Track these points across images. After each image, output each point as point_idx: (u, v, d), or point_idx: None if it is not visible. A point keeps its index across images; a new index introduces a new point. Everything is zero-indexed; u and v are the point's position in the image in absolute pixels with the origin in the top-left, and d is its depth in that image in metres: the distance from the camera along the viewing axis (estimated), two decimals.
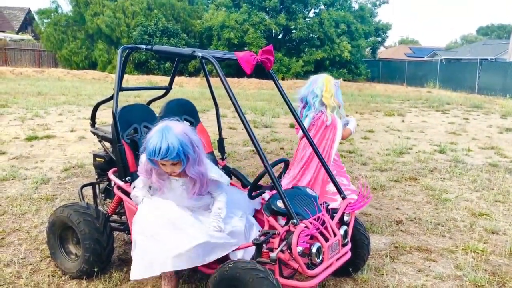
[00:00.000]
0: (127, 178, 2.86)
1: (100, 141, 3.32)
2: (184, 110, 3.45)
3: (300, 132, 3.83)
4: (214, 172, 2.77)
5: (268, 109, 12.73)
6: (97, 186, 3.47)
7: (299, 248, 2.37)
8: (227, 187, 2.91)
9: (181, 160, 2.54)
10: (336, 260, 2.66)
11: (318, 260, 2.48)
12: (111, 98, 3.17)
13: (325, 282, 3.04)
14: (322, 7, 33.21)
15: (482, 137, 9.75)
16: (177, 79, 25.72)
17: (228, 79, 21.87)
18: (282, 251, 2.42)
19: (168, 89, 3.62)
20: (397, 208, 4.77)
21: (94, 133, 3.36)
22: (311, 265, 2.48)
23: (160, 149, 2.46)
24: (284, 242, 2.42)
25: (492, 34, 66.35)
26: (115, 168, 2.99)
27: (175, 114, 3.37)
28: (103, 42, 33.87)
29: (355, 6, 34.80)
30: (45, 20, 36.62)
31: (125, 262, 3.26)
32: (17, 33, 48.28)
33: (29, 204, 4.44)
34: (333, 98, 3.88)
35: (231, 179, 3.57)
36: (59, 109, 11.81)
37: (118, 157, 2.85)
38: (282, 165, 3.08)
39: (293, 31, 32.20)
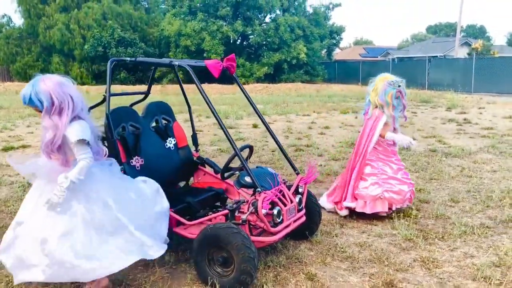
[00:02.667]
0: (120, 167, 3.46)
1: None
2: (162, 111, 4.08)
3: None
4: (81, 135, 2.68)
5: (231, 112, 13.42)
6: None
7: (264, 211, 3.05)
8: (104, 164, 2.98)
9: (38, 106, 2.63)
10: (294, 221, 3.36)
11: (279, 220, 3.18)
12: (100, 103, 3.76)
13: (286, 243, 3.74)
14: (278, 12, 34.29)
15: (426, 128, 10.78)
16: (141, 87, 26.08)
17: (191, 85, 22.48)
18: (250, 214, 3.09)
19: (147, 94, 4.24)
20: None
21: None
22: (274, 225, 3.17)
23: (22, 95, 2.67)
24: (252, 207, 3.10)
25: (441, 32, 69.56)
26: None
27: (155, 114, 4.02)
28: (58, 55, 33.65)
29: (310, 10, 36.10)
30: None
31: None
32: None
33: (20, 204, 4.91)
34: (377, 97, 4.38)
35: (205, 167, 4.24)
36: (25, 121, 12.08)
37: (113, 150, 3.45)
38: (247, 150, 3.77)
39: (251, 37, 33.14)
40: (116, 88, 25.54)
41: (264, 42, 32.89)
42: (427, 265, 3.38)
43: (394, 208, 4.43)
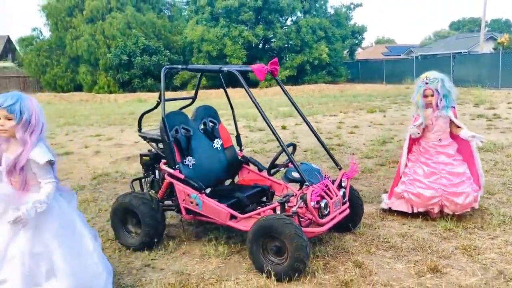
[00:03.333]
0: (176, 166, 3.74)
1: (148, 142, 4.17)
2: (209, 114, 4.36)
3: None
4: (49, 156, 2.68)
5: (259, 115, 13.63)
6: (144, 180, 4.33)
7: (312, 203, 3.27)
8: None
9: (16, 115, 2.60)
10: (339, 213, 3.57)
11: (326, 212, 3.39)
12: (153, 109, 4.07)
13: (331, 235, 3.94)
14: (299, 14, 34.46)
15: None
16: (167, 94, 26.58)
17: (217, 90, 22.92)
18: (299, 207, 3.32)
19: (194, 98, 4.52)
20: (383, 185, 5.69)
21: (142, 137, 4.22)
22: (321, 217, 3.38)
23: (0, 96, 2.63)
24: (301, 200, 3.32)
25: (464, 28, 68.39)
26: (165, 161, 3.87)
27: (203, 117, 4.30)
28: (85, 64, 34.54)
29: (331, 11, 36.13)
30: (28, 47, 36.98)
31: (174, 237, 4.12)
32: None
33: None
34: (412, 97, 4.37)
35: (249, 165, 4.48)
36: (63, 130, 12.57)
37: (168, 151, 3.73)
38: (290, 148, 3.99)
39: (272, 40, 33.40)
40: (143, 97, 26.26)
41: (286, 45, 33.11)
42: (469, 252, 3.54)
43: (415, 210, 4.36)
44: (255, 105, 3.47)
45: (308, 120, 4.04)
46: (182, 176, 3.71)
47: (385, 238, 3.87)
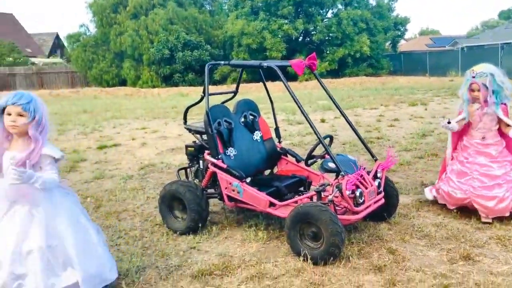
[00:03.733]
0: (219, 156, 4.00)
1: (192, 134, 4.45)
2: (249, 107, 4.59)
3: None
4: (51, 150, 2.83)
5: (297, 109, 13.77)
6: (189, 169, 4.62)
7: (347, 192, 3.44)
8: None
9: (30, 113, 2.73)
10: (374, 203, 3.71)
11: (361, 201, 3.55)
12: (197, 103, 4.35)
13: (367, 224, 4.09)
14: (340, 6, 34.11)
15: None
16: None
17: (257, 84, 23.17)
18: (335, 195, 3.49)
19: (235, 93, 4.76)
20: (420, 177, 5.75)
21: (187, 129, 4.50)
22: (356, 205, 3.55)
23: (15, 94, 2.77)
24: (337, 189, 3.49)
25: None
26: (208, 151, 4.13)
27: (243, 110, 4.53)
28: (129, 59, 35.58)
29: (373, 2, 35.53)
30: (75, 44, 38.39)
31: (217, 223, 4.39)
32: (47, 57, 50.82)
33: (126, 193, 5.63)
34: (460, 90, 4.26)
35: (287, 157, 4.68)
36: (110, 123, 13.16)
37: (211, 142, 3.99)
38: (327, 140, 4.17)
39: (313, 33, 33.26)
40: (184, 91, 26.88)
41: (326, 38, 32.88)
42: (503, 242, 3.61)
43: (450, 208, 4.32)
44: (293, 98, 3.66)
45: (348, 113, 4.20)
46: (224, 166, 3.96)
47: (420, 228, 3.99)
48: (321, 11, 33.88)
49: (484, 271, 3.18)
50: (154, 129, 11.19)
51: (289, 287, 3.09)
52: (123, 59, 35.98)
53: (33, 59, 44.15)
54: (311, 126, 3.69)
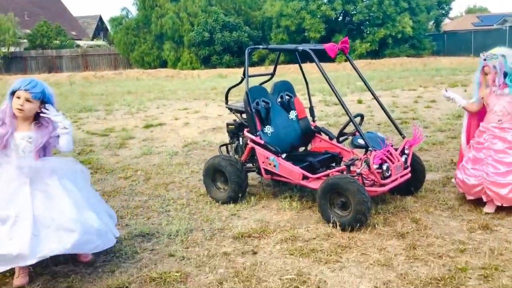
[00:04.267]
0: (257, 133, 4.39)
1: (233, 113, 4.86)
2: (286, 88, 4.95)
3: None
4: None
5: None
6: (229, 145, 5.05)
7: (375, 166, 3.76)
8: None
9: (41, 100, 3.10)
10: (400, 177, 4.01)
11: (388, 174, 3.86)
12: (237, 84, 4.75)
13: (394, 197, 4.40)
14: None
15: None
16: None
17: (294, 65, 23.27)
18: (363, 169, 3.82)
19: (272, 75, 5.12)
20: (452, 156, 5.95)
21: (228, 108, 4.91)
22: (383, 178, 3.86)
23: (30, 81, 3.06)
24: (365, 163, 3.82)
25: None
26: (247, 128, 4.53)
27: (280, 91, 4.89)
28: (170, 41, 36.27)
29: None
30: (118, 27, 39.28)
31: (255, 194, 4.81)
32: (92, 40, 52.38)
33: (172, 167, 6.14)
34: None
35: (321, 135, 5.02)
36: (153, 103, 13.80)
37: (250, 120, 4.38)
38: (359, 119, 4.48)
39: (353, 13, 32.80)
40: (223, 72, 27.38)
41: (367, 18, 32.37)
42: None
43: (468, 198, 4.20)
44: (326, 79, 3.98)
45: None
46: (262, 142, 4.36)
47: (444, 201, 4.27)
48: None
49: (499, 239, 3.45)
50: (195, 109, 11.70)
51: (319, 248, 3.47)
52: (164, 41, 36.69)
53: (78, 42, 45.73)
54: (342, 105, 4.01)
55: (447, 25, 47.36)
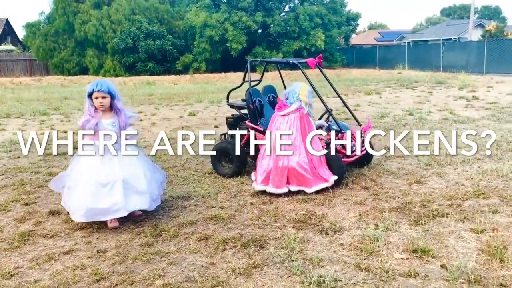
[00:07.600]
0: (257, 123, 5.88)
1: (235, 109, 6.30)
2: (272, 90, 6.53)
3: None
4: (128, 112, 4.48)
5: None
6: (226, 135, 6.48)
7: (343, 142, 5.45)
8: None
9: (110, 94, 4.16)
10: (361, 152, 5.76)
11: (353, 150, 5.57)
12: (237, 87, 6.22)
13: (354, 168, 6.14)
14: (297, 1, 36.26)
15: (440, 104, 13.04)
16: (171, 77, 28.67)
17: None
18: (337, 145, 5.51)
19: (260, 80, 6.63)
20: (383, 143, 7.89)
21: (229, 105, 6.35)
22: (351, 152, 5.57)
23: (97, 83, 4.15)
24: (339, 142, 5.49)
25: (455, 14, 70.29)
26: (248, 120, 6.01)
27: (268, 92, 6.45)
28: (92, 48, 35.95)
29: None
30: (35, 34, 37.83)
31: (250, 172, 6.28)
32: None
33: (166, 156, 7.38)
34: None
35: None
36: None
37: (252, 114, 5.87)
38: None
39: (271, 26, 35.15)
40: (149, 79, 28.02)
41: (284, 31, 34.85)
42: (440, 175, 5.74)
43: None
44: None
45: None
46: (262, 129, 5.87)
47: (388, 169, 6.10)
48: (280, 6, 35.88)
49: (428, 187, 5.32)
50: (152, 112, 12.81)
51: (315, 198, 5.05)
52: (86, 48, 36.26)
53: None
54: (321, 100, 5.66)
55: (354, 39, 52.00)
